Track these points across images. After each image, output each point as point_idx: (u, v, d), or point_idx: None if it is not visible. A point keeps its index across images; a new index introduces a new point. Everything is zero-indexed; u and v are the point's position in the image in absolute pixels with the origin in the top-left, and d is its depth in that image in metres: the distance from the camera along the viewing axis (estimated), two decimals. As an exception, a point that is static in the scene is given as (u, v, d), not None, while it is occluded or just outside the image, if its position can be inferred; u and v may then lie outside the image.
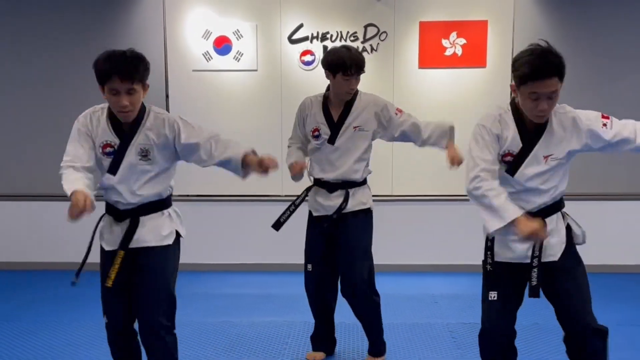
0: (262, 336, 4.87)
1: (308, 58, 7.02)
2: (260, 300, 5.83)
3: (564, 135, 3.11)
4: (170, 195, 3.42)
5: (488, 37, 6.96)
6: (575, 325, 3.19)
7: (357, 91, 4.28)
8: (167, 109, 7.05)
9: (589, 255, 6.49)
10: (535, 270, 3.12)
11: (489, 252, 3.31)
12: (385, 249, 6.71)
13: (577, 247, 3.38)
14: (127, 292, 3.31)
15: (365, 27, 7.03)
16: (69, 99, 7.08)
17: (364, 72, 4.18)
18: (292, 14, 7.03)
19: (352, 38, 7.02)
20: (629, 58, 6.99)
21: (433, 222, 6.97)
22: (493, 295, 3.29)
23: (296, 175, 4.28)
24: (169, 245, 3.34)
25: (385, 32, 7.02)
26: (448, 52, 6.96)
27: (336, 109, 4.26)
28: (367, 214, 4.31)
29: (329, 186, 4.26)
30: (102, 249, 3.31)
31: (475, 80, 6.93)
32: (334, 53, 4.13)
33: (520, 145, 3.12)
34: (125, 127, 3.23)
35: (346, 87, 4.12)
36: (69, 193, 2.95)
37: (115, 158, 3.23)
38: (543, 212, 3.18)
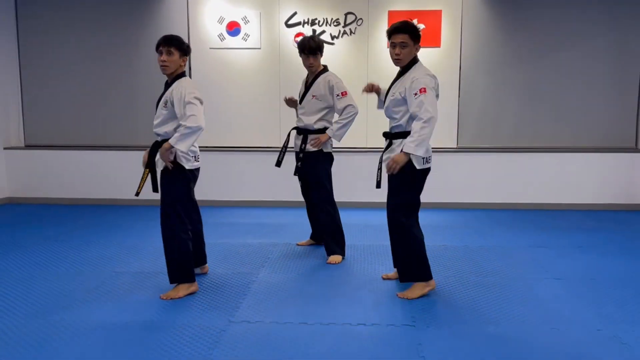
0: (251, 253, 5.00)
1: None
2: (253, 228, 5.96)
3: (404, 84, 3.71)
4: None
5: (442, 23, 6.97)
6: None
7: (324, 70, 4.77)
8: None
9: (521, 196, 6.74)
10: (379, 172, 3.91)
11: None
12: (359, 190, 6.90)
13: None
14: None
15: (346, 14, 7.04)
16: (128, 71, 7.23)
17: (318, 54, 4.67)
18: (288, 4, 7.05)
19: (335, 23, 7.05)
20: (551, 40, 6.99)
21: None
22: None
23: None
24: (167, 171, 3.78)
25: (361, 18, 7.04)
26: (410, 35, 6.97)
27: (309, 79, 4.82)
28: (320, 153, 4.73)
29: (297, 131, 4.81)
30: None
31: (432, 57, 6.93)
32: (300, 40, 4.72)
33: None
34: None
35: (305, 63, 4.73)
36: None
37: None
38: (396, 136, 3.82)
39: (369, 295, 3.93)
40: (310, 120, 4.69)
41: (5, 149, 7.26)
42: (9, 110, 7.31)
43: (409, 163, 3.64)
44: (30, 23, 7.30)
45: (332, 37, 7.07)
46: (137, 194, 3.82)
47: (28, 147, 7.44)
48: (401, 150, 3.61)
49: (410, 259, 3.84)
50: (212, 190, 7.18)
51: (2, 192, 7.25)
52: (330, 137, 4.64)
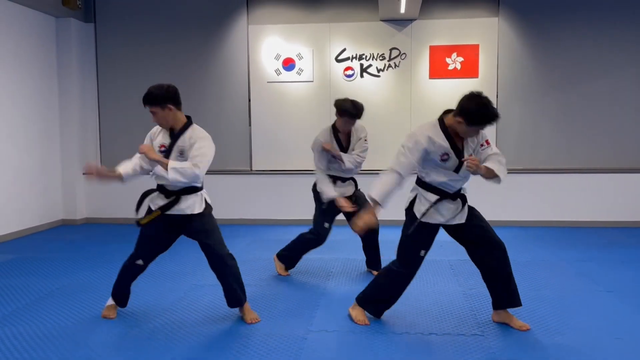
0: (315, 267, 4.92)
1: (349, 72, 7.04)
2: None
3: (474, 144, 3.25)
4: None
5: (479, 56, 6.89)
6: (499, 244, 3.36)
7: None
8: (250, 111, 7.20)
9: (558, 214, 6.53)
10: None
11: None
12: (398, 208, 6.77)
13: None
14: (164, 246, 3.54)
15: (390, 49, 7.01)
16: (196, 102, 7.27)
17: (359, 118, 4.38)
18: (338, 41, 7.05)
19: (380, 58, 7.02)
20: (582, 69, 6.85)
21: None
22: (423, 252, 3.38)
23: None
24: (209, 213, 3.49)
25: (405, 53, 6.99)
26: (450, 67, 6.90)
27: (343, 136, 4.48)
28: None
29: (343, 179, 4.51)
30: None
31: (470, 87, 6.54)
32: (345, 103, 4.30)
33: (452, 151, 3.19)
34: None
35: (345, 127, 4.38)
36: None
37: None
38: (463, 192, 3.37)
39: (433, 307, 3.80)
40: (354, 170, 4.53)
41: (84, 174, 7.33)
42: (87, 140, 7.42)
43: None
44: (108, 63, 7.42)
45: (378, 70, 7.03)
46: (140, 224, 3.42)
47: (104, 172, 7.50)
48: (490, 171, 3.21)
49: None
50: (270, 209, 7.14)
51: (81, 213, 7.31)
52: None
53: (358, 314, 3.53)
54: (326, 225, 4.49)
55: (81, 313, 3.71)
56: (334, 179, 4.46)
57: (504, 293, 3.43)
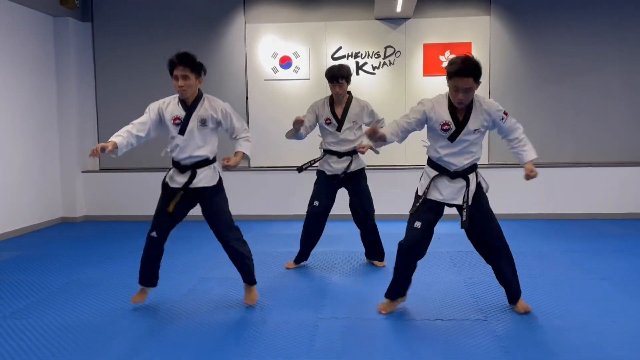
0: (319, 259, 5.03)
1: (345, 70, 7.18)
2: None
3: (484, 118, 3.29)
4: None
5: (472, 54, 7.03)
6: (499, 257, 3.53)
7: (351, 96, 4.59)
8: (247, 108, 7.31)
9: (547, 206, 6.67)
10: (465, 210, 3.37)
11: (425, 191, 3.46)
12: (405, 202, 6.91)
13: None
14: (178, 217, 3.70)
15: (385, 47, 7.16)
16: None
17: (344, 82, 4.43)
18: (334, 39, 7.18)
19: (375, 56, 7.16)
20: (571, 66, 7.06)
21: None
22: (418, 224, 3.45)
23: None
24: (218, 187, 3.66)
25: (399, 51, 7.14)
26: (444, 64, 7.04)
27: (339, 107, 4.56)
28: (363, 170, 4.67)
29: (339, 155, 4.59)
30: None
31: None
32: (330, 68, 4.50)
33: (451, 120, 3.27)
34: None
35: (333, 91, 4.50)
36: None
37: None
38: (469, 171, 3.41)
39: (437, 295, 3.95)
40: (357, 142, 4.59)
41: (82, 172, 7.39)
42: (86, 138, 7.46)
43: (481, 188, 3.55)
44: (105, 61, 7.50)
45: (373, 68, 7.17)
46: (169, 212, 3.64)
47: (102, 170, 7.57)
48: (527, 161, 3.60)
49: (517, 275, 3.61)
50: (268, 205, 7.25)
51: (80, 210, 7.37)
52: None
53: (385, 306, 3.63)
54: (316, 203, 4.63)
55: (95, 306, 3.81)
56: (331, 154, 4.60)
57: (510, 290, 3.60)
